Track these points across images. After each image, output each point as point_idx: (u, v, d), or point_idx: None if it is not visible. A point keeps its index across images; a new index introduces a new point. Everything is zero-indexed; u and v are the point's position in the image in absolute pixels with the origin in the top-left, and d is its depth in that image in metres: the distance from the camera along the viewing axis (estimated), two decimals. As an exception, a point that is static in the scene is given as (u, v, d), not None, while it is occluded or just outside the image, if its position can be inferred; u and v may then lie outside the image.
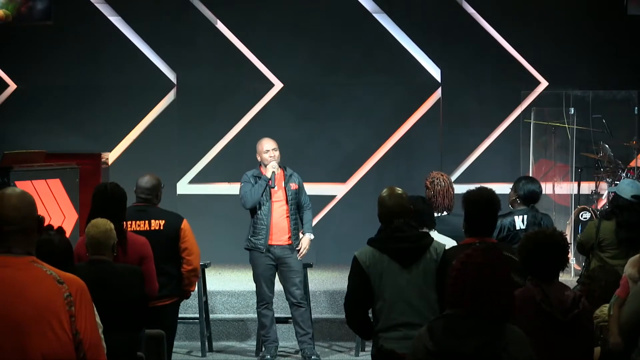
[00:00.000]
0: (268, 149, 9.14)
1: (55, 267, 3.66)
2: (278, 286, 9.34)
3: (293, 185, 9.19)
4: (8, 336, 3.52)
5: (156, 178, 7.71)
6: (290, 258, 9.16)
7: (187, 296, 7.77)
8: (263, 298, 9.20)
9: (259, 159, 9.21)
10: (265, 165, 9.13)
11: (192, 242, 7.57)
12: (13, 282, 3.57)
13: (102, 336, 4.86)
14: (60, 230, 5.55)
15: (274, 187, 9.08)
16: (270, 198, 9.11)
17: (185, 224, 7.54)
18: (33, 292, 3.55)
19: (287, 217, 9.15)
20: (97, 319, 4.79)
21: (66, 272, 3.66)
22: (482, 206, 5.98)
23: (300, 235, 9.28)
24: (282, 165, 9.23)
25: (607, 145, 11.86)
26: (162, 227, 7.44)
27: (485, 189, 6.18)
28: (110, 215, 6.54)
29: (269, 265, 9.16)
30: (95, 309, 4.53)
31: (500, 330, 3.92)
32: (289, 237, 9.16)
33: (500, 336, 3.91)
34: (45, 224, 5.42)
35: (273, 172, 9.07)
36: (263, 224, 9.10)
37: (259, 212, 9.11)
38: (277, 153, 9.15)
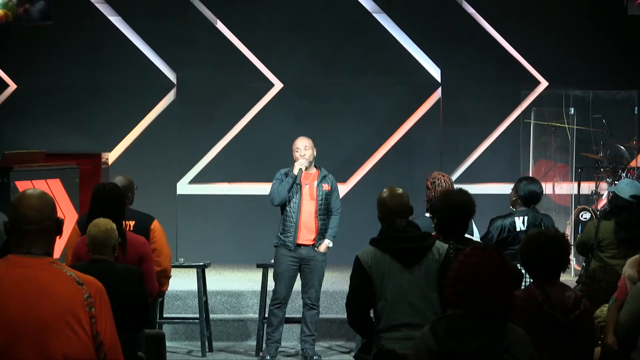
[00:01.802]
0: (299, 147, 9.19)
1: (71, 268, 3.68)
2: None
3: (325, 186, 9.19)
4: (30, 336, 3.54)
5: (128, 179, 7.70)
6: (315, 260, 9.16)
7: (161, 296, 7.73)
8: (277, 297, 9.20)
9: (293, 157, 9.26)
10: None
11: (162, 242, 7.51)
12: (35, 282, 3.58)
13: None
14: None
15: (298, 184, 9.09)
16: (300, 196, 9.12)
17: (155, 225, 7.48)
18: (54, 293, 3.57)
19: (316, 216, 9.15)
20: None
21: (84, 274, 3.67)
22: (453, 209, 6.00)
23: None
24: (317, 165, 9.26)
25: (622, 147, 11.86)
26: (131, 228, 7.40)
27: (463, 192, 6.20)
28: (110, 215, 6.53)
29: (291, 265, 9.15)
30: None
31: (502, 329, 3.94)
32: (315, 238, 9.16)
33: (502, 336, 3.92)
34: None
35: (300, 169, 9.10)
36: (292, 221, 9.11)
37: (287, 208, 9.13)
38: (308, 152, 9.16)
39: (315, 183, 9.18)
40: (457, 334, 3.91)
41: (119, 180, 7.65)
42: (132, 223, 7.43)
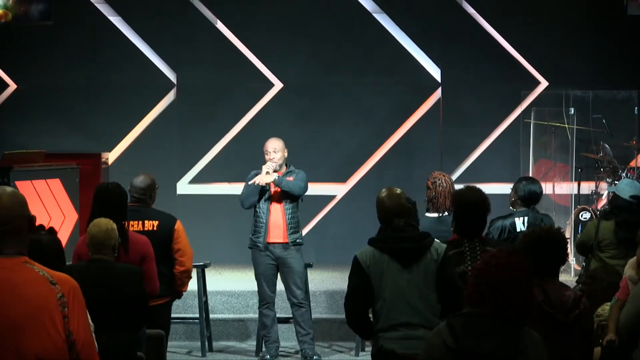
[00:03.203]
0: (268, 150, 9.14)
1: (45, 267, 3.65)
2: (279, 286, 9.32)
3: (290, 179, 9.15)
4: (3, 337, 3.51)
5: (151, 178, 7.71)
6: (290, 258, 9.14)
7: (179, 296, 7.78)
8: (264, 298, 9.19)
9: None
10: None
11: (185, 242, 7.57)
12: (7, 283, 3.55)
13: (93, 335, 4.85)
14: (52, 230, 5.54)
15: (261, 185, 9.03)
16: (270, 197, 9.10)
17: (178, 225, 7.54)
18: (26, 293, 3.54)
19: (283, 214, 9.12)
20: (88, 318, 4.79)
21: (58, 272, 3.64)
22: (469, 206, 6.00)
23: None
24: (288, 163, 9.21)
25: (607, 145, 11.86)
26: (155, 228, 7.43)
27: (474, 189, 6.21)
28: (111, 215, 6.53)
29: (269, 264, 9.14)
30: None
31: (519, 332, 3.95)
32: (286, 235, 9.14)
33: (519, 338, 3.94)
34: (47, 225, 5.43)
35: (267, 172, 9.05)
36: (261, 222, 9.10)
37: (257, 210, 9.12)
38: (277, 155, 9.10)
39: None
40: (475, 333, 3.92)
41: (142, 179, 7.65)
42: (155, 223, 7.46)
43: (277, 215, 9.11)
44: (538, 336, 4.01)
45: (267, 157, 9.12)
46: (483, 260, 4.04)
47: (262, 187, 9.04)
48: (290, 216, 9.11)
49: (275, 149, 9.12)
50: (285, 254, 9.13)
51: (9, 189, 3.70)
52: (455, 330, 3.94)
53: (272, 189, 9.09)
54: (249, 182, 9.06)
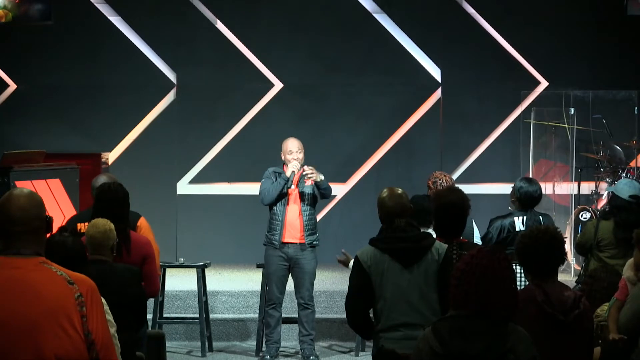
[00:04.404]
0: (292, 150, 9.16)
1: (67, 269, 3.65)
2: (288, 287, 9.33)
3: (307, 181, 9.17)
4: (21, 337, 3.51)
5: (112, 177, 7.70)
6: (304, 259, 9.15)
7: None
8: (271, 298, 9.20)
9: (282, 157, 9.22)
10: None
11: (150, 239, 7.52)
12: (25, 283, 3.56)
13: (116, 335, 4.86)
14: (74, 232, 5.58)
15: (290, 187, 9.07)
16: (287, 195, 9.11)
17: (142, 222, 7.46)
18: (45, 293, 3.55)
19: (300, 214, 9.14)
20: (111, 317, 4.80)
21: (76, 273, 3.65)
22: (450, 208, 5.96)
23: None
24: (306, 164, 9.23)
25: (617, 147, 11.85)
26: None
27: (455, 190, 6.19)
28: (113, 215, 6.52)
29: (281, 265, 9.15)
30: (108, 308, 4.53)
31: (506, 330, 3.94)
32: (302, 235, 9.15)
33: (506, 337, 3.93)
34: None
35: (293, 172, 9.08)
36: (278, 220, 9.12)
37: (275, 208, 9.14)
38: (301, 155, 9.16)
39: (300, 182, 9.15)
40: (461, 335, 3.90)
41: (103, 179, 7.63)
42: None
43: (293, 216, 9.13)
44: (525, 332, 4.01)
45: (289, 156, 9.14)
46: (463, 261, 4.01)
47: (281, 189, 9.05)
48: (307, 218, 9.14)
49: (299, 149, 9.19)
50: (299, 255, 9.14)
51: (26, 190, 3.71)
52: (441, 335, 3.92)
53: (290, 191, 9.11)
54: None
